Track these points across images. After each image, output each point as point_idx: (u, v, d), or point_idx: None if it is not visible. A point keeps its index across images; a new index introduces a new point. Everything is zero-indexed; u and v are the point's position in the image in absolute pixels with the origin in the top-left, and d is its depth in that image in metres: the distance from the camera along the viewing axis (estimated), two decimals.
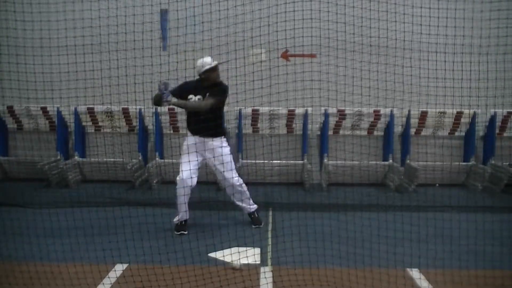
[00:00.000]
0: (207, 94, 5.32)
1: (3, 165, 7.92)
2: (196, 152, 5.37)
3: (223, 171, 5.39)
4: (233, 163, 5.49)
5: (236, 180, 5.47)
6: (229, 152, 5.47)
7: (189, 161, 5.28)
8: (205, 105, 5.25)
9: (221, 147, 5.35)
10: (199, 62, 5.36)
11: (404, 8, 6.08)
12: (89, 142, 8.01)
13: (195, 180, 5.37)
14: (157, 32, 6.06)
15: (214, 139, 5.38)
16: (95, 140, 7.97)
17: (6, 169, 7.95)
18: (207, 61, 5.32)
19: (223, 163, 5.37)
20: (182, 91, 5.39)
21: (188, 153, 5.32)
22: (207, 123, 5.26)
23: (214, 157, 5.35)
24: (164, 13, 5.18)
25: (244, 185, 5.56)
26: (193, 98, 5.38)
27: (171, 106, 7.51)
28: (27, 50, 6.87)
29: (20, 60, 6.62)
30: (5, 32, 6.68)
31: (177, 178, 5.36)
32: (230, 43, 5.86)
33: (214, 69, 5.34)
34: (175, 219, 5.45)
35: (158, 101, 5.18)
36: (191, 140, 5.40)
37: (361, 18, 6.12)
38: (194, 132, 5.39)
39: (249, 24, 5.75)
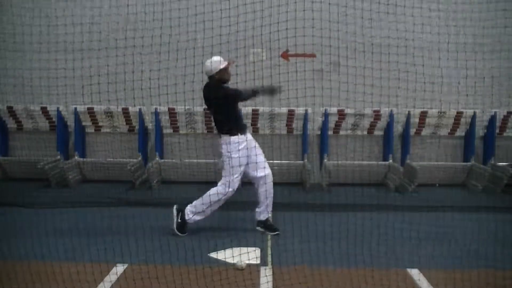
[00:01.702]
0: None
1: (3, 165, 7.91)
2: (246, 156, 5.24)
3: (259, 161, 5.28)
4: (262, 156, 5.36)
5: (269, 172, 5.32)
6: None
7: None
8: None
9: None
10: (214, 60, 5.15)
11: (404, 8, 6.08)
12: (89, 142, 8.01)
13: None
14: (158, 31, 6.07)
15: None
16: (95, 140, 7.97)
17: (6, 169, 7.95)
18: (218, 60, 5.15)
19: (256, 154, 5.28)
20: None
21: (238, 156, 5.16)
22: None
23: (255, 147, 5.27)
24: None
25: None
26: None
27: (171, 106, 7.54)
28: (27, 50, 6.88)
29: (20, 60, 6.63)
30: (6, 29, 6.69)
31: (228, 187, 5.17)
32: (230, 42, 5.86)
33: (228, 68, 5.22)
34: (194, 217, 5.31)
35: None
36: (250, 136, 5.27)
37: (361, 18, 6.12)
38: (245, 130, 5.30)
39: (250, 23, 5.75)
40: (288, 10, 5.61)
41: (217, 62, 5.13)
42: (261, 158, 5.28)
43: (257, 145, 5.31)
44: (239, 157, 5.12)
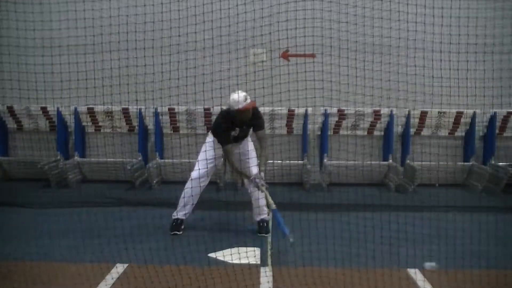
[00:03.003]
0: (253, 126, 5.28)
1: (3, 165, 7.91)
2: (215, 150, 5.34)
3: (248, 164, 5.31)
4: (256, 157, 5.42)
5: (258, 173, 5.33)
6: (253, 147, 5.45)
7: (203, 159, 5.28)
8: (267, 147, 5.34)
9: (246, 141, 5.38)
10: (235, 97, 5.07)
11: (406, 7, 6.07)
12: (89, 142, 8.01)
13: (207, 181, 5.38)
14: (158, 32, 6.07)
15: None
16: (95, 140, 7.96)
17: (6, 169, 7.95)
18: (241, 100, 5.05)
19: (248, 158, 5.31)
20: (228, 131, 5.25)
21: (204, 151, 5.33)
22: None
23: (239, 152, 5.32)
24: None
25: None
26: (232, 133, 5.27)
27: (171, 106, 7.55)
28: (27, 50, 6.88)
29: (20, 60, 6.62)
30: (6, 32, 6.68)
31: (192, 174, 5.33)
32: (231, 43, 5.87)
33: (247, 109, 5.12)
34: (176, 215, 5.40)
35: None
36: (212, 137, 5.37)
37: (362, 17, 6.12)
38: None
39: (250, 23, 5.75)
40: (288, 10, 5.61)
41: (235, 101, 5.07)
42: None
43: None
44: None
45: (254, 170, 5.30)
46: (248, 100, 5.11)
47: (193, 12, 5.82)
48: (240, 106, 5.05)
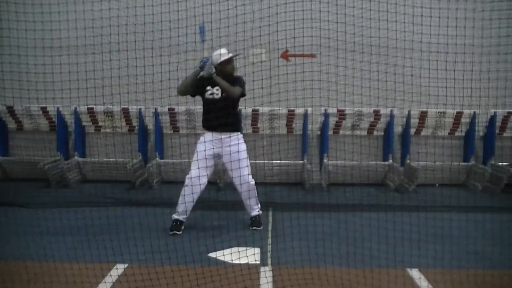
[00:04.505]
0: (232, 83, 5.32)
1: (3, 165, 7.91)
2: (212, 149, 5.31)
3: (239, 168, 5.29)
4: (248, 161, 5.44)
5: (249, 178, 5.39)
6: (246, 149, 5.45)
7: (198, 159, 5.28)
8: (234, 90, 5.27)
9: (238, 144, 5.36)
10: (215, 53, 5.35)
11: (404, 8, 6.08)
12: (89, 142, 8.01)
13: (204, 180, 5.34)
14: (158, 32, 6.08)
15: (231, 134, 5.35)
16: (95, 140, 7.97)
17: (6, 169, 7.95)
18: (223, 53, 5.32)
19: (239, 159, 5.28)
20: (199, 84, 5.38)
21: (198, 151, 5.34)
22: (227, 119, 5.29)
23: (230, 153, 5.30)
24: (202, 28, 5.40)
25: (254, 186, 5.49)
26: (211, 90, 5.36)
27: (171, 106, 7.55)
28: (28, 50, 6.88)
29: (20, 60, 6.63)
30: (6, 32, 6.68)
31: (186, 177, 5.34)
32: (230, 43, 5.86)
33: (229, 61, 5.35)
34: (175, 216, 5.41)
35: (193, 79, 5.29)
36: (208, 137, 5.33)
37: (361, 18, 6.12)
38: (212, 129, 5.34)
39: (249, 24, 5.75)
40: (287, 10, 5.61)
41: (217, 55, 5.32)
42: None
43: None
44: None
45: (247, 177, 5.36)
46: (231, 54, 5.38)
47: (193, 13, 5.82)
48: (224, 58, 5.27)
